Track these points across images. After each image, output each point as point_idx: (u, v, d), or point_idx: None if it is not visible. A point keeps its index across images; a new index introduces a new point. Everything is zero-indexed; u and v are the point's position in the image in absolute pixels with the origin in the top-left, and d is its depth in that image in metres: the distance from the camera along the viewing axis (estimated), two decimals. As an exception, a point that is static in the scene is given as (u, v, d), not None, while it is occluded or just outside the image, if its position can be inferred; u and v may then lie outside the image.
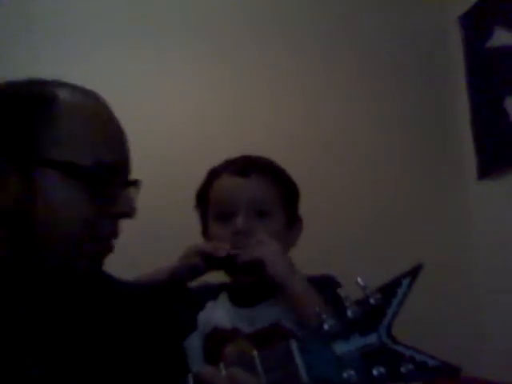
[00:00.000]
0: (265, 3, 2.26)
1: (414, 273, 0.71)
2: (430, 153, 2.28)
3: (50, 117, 0.89)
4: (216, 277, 1.34)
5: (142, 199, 2.01)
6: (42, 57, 2.02)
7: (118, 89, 2.08)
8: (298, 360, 0.70)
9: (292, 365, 0.70)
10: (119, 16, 2.17)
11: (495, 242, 2.14)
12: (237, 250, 1.21)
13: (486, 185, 2.18)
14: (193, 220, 2.04)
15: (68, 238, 0.88)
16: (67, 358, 0.89)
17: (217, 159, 2.10)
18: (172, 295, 1.25)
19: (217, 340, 1.21)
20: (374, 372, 0.68)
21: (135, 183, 1.00)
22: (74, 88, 0.96)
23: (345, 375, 0.69)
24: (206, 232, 1.35)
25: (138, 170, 2.04)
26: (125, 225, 1.97)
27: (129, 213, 0.94)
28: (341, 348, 0.70)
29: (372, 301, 0.70)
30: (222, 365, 0.74)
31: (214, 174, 1.34)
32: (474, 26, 2.22)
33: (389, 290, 0.70)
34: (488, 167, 2.17)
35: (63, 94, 0.93)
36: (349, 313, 0.70)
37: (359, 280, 0.71)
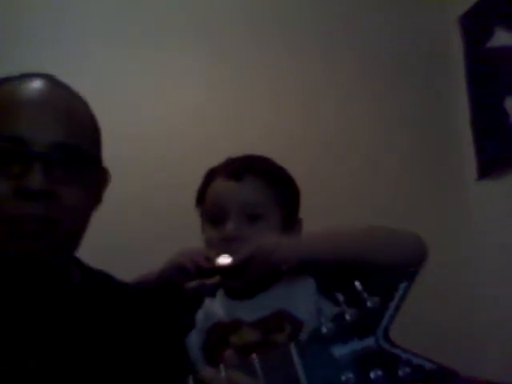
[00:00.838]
0: (265, 3, 2.26)
1: (410, 277, 0.71)
2: (430, 153, 2.28)
3: None
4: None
5: (142, 199, 2.03)
6: (42, 57, 2.02)
7: (118, 89, 2.09)
8: (297, 363, 0.71)
9: (291, 368, 0.71)
10: (119, 16, 2.17)
11: (495, 242, 2.14)
12: (224, 255, 1.20)
13: (486, 185, 2.19)
14: (193, 220, 2.05)
15: None
16: (65, 356, 0.90)
17: (217, 159, 2.10)
18: (166, 295, 1.25)
19: (218, 334, 1.20)
20: (372, 375, 0.68)
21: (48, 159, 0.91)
22: (20, 77, 0.96)
23: (343, 378, 0.69)
24: (203, 231, 1.35)
25: (137, 170, 2.06)
26: (124, 225, 1.98)
27: (30, 189, 0.86)
28: (339, 351, 0.71)
29: (369, 304, 0.70)
30: (221, 367, 0.74)
31: (211, 175, 1.33)
32: (474, 27, 2.22)
33: (386, 293, 0.71)
34: (488, 167, 2.17)
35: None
36: (347, 316, 0.71)
37: (357, 284, 0.71)
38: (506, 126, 2.08)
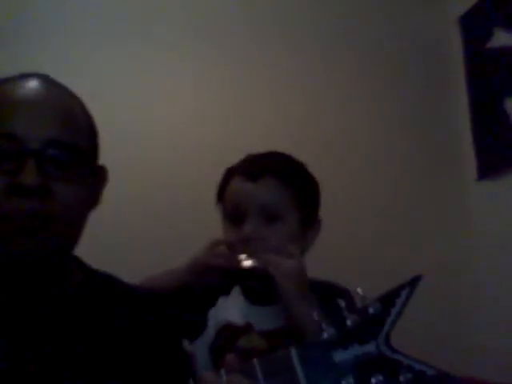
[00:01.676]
0: (265, 3, 2.26)
1: (412, 284, 0.71)
2: (430, 153, 2.29)
3: None
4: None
5: (142, 199, 2.03)
6: (41, 57, 2.01)
7: (118, 89, 2.09)
8: (298, 368, 0.71)
9: (292, 372, 0.71)
10: (119, 16, 2.17)
11: (495, 241, 2.14)
12: (244, 256, 1.21)
13: (486, 185, 2.19)
14: (192, 220, 2.06)
15: None
16: (66, 357, 0.90)
17: (217, 159, 2.10)
18: (178, 297, 1.25)
19: (229, 335, 1.21)
20: (373, 380, 0.68)
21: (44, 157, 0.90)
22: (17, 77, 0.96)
23: (343, 383, 0.69)
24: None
25: (137, 170, 2.06)
26: (124, 225, 1.99)
27: (25, 185, 0.85)
28: (340, 356, 0.71)
29: (371, 310, 0.70)
30: (222, 371, 0.74)
31: (229, 174, 1.33)
32: (474, 27, 2.22)
33: (388, 300, 0.71)
34: (488, 167, 2.17)
35: None
36: (348, 322, 0.71)
37: (359, 290, 0.71)
38: (506, 126, 2.08)
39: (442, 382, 0.66)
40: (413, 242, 2.15)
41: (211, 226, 2.04)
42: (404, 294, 0.70)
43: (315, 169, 2.15)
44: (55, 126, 0.92)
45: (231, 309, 1.26)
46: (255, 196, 1.25)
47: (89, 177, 0.97)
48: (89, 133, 0.99)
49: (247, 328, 1.21)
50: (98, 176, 1.03)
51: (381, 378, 0.68)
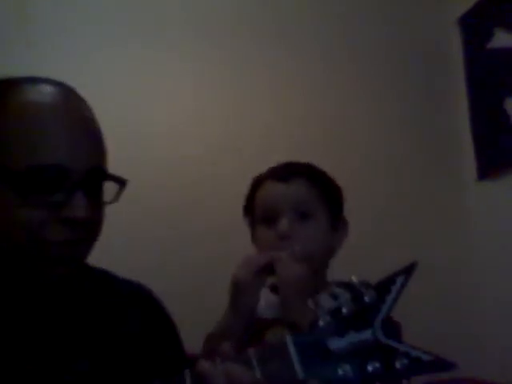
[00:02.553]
0: (265, 3, 2.27)
1: (408, 271, 0.71)
2: (429, 153, 2.28)
3: None
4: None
5: (142, 199, 2.03)
6: (41, 57, 2.02)
7: (118, 89, 2.09)
8: (294, 355, 0.71)
9: (287, 360, 0.71)
10: (119, 16, 2.17)
11: (495, 241, 2.14)
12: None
13: (486, 185, 2.19)
14: (192, 220, 2.06)
15: (9, 242, 0.87)
16: (65, 356, 0.90)
17: (217, 159, 2.12)
18: None
19: (256, 329, 1.22)
20: (369, 367, 0.68)
21: (95, 186, 0.92)
22: (33, 85, 0.92)
23: (340, 371, 0.69)
24: (253, 239, 1.36)
25: (137, 170, 2.06)
26: (124, 225, 1.99)
27: (76, 218, 0.86)
28: (336, 344, 0.71)
29: (366, 298, 0.71)
30: (218, 360, 0.74)
31: (257, 183, 1.36)
32: (474, 27, 2.23)
33: (383, 287, 0.71)
34: (488, 168, 2.17)
35: (12, 93, 0.90)
36: (344, 309, 0.71)
37: (353, 278, 0.72)
38: (506, 126, 2.08)
39: (439, 368, 0.66)
40: (413, 242, 2.15)
41: (211, 225, 2.06)
42: (399, 281, 0.70)
43: (315, 169, 2.17)
44: (96, 153, 0.92)
45: (261, 303, 1.27)
46: (288, 195, 1.29)
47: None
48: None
49: (275, 322, 1.22)
50: None
51: (377, 364, 0.68)
